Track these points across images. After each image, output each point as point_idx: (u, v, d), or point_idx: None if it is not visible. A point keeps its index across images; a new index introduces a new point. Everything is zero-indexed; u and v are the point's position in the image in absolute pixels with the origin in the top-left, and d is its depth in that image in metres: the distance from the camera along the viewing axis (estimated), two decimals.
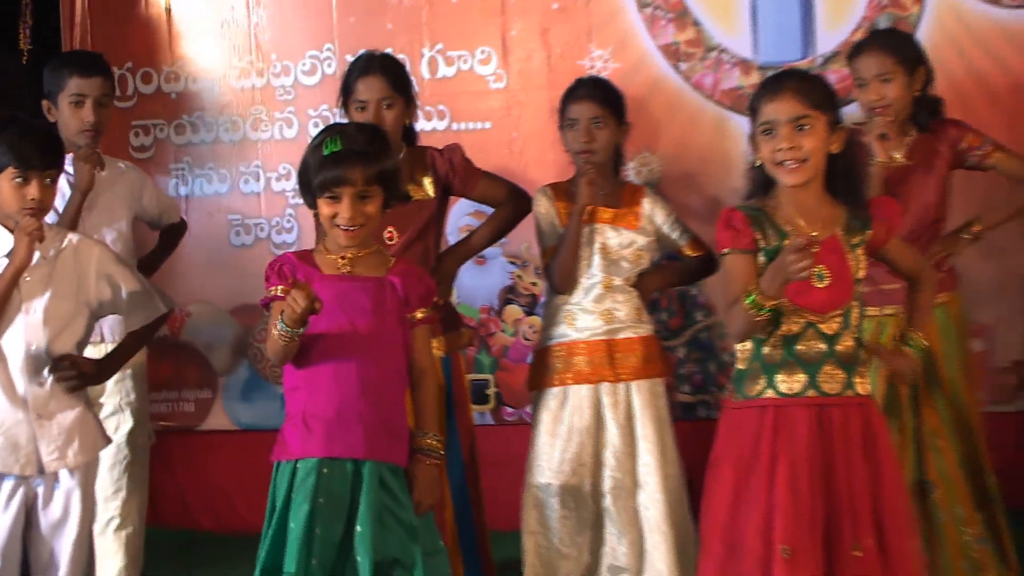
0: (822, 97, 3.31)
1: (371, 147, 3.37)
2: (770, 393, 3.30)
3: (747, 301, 3.20)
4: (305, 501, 3.27)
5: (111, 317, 3.97)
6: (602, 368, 4.21)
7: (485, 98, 5.54)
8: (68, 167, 4.14)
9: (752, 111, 3.38)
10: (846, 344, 3.30)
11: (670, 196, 4.76)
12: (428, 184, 4.27)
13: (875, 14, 5.11)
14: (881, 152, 4.08)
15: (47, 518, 3.56)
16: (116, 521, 4.62)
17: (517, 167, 5.24)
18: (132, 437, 4.65)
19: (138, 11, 5.91)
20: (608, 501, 4.19)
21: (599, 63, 5.35)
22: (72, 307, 3.61)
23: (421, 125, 4.93)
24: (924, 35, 4.80)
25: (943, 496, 4.11)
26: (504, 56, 5.50)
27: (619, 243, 4.25)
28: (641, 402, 4.21)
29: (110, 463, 4.51)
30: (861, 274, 3.34)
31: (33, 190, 3.49)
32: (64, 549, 3.56)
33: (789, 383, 3.28)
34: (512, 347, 5.57)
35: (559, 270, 4.22)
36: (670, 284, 4.69)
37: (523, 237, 4.82)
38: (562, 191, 4.30)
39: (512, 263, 5.53)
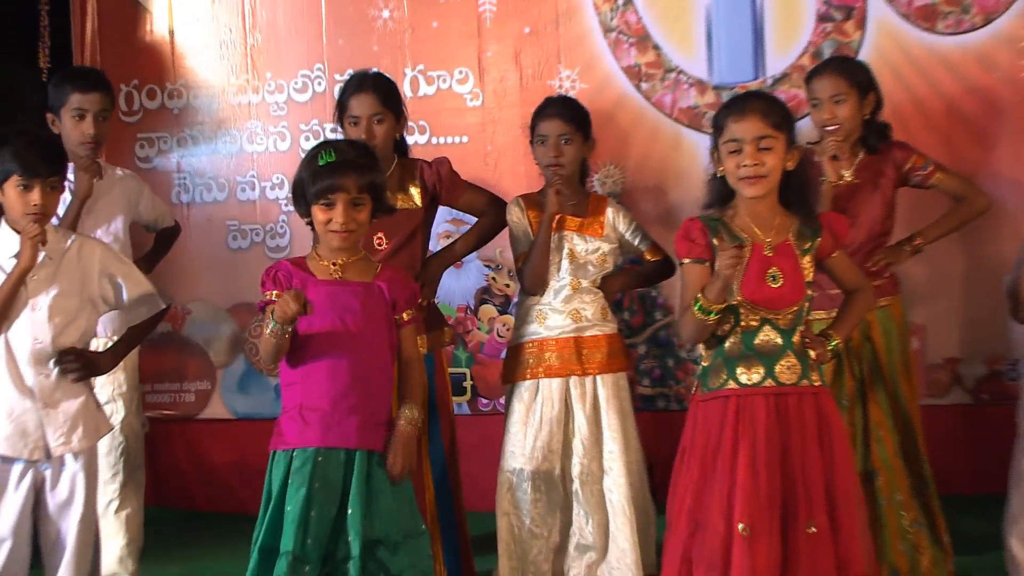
0: (782, 118, 3.41)
1: (362, 159, 3.47)
2: (732, 384, 3.39)
3: (695, 307, 3.34)
4: (302, 486, 3.34)
5: (107, 314, 3.99)
6: (571, 363, 4.29)
7: (462, 115, 5.63)
8: (71, 175, 4.22)
9: (716, 127, 3.47)
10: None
11: (632, 205, 5.00)
12: (416, 194, 4.34)
13: (820, 40, 5.20)
14: (832, 172, 4.21)
15: (54, 499, 3.64)
16: (115, 503, 4.72)
17: (492, 178, 5.31)
18: (125, 425, 4.72)
19: (144, 33, 6.03)
20: (576, 485, 4.29)
21: (567, 83, 5.46)
22: (76, 303, 3.68)
23: None
24: (865, 59, 4.81)
25: (884, 482, 4.23)
26: (480, 76, 5.60)
27: (585, 249, 4.34)
28: (606, 394, 4.31)
29: (106, 449, 4.52)
30: (811, 277, 3.45)
31: (36, 196, 3.57)
32: (71, 528, 3.64)
33: (748, 375, 3.38)
34: (487, 343, 5.67)
35: (531, 273, 4.32)
36: (632, 286, 4.83)
37: (497, 242, 4.82)
38: (533, 201, 4.40)
39: (487, 266, 5.62)
